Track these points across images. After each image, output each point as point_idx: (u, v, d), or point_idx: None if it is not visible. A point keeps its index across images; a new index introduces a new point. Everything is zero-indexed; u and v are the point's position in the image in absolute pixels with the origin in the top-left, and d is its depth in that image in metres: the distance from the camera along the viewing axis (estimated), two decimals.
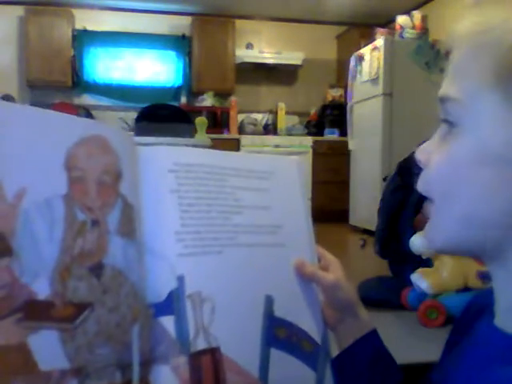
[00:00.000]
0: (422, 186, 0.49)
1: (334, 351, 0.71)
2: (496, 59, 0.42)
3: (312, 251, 0.73)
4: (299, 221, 0.73)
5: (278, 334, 0.63)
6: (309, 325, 0.67)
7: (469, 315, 0.57)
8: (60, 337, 0.45)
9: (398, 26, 4.88)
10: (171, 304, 0.54)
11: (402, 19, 4.90)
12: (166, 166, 0.59)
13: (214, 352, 0.55)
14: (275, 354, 0.62)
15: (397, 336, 1.71)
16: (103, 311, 0.49)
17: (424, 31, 4.86)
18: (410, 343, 1.63)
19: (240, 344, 0.59)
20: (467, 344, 0.52)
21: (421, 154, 0.50)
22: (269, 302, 0.63)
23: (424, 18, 4.91)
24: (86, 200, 0.50)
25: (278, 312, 0.63)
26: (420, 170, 0.50)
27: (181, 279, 0.55)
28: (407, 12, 5.09)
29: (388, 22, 5.72)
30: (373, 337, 0.71)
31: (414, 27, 4.85)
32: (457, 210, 0.45)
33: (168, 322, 0.54)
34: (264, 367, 0.61)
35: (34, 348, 0.44)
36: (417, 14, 4.92)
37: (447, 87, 0.47)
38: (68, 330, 0.46)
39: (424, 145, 0.50)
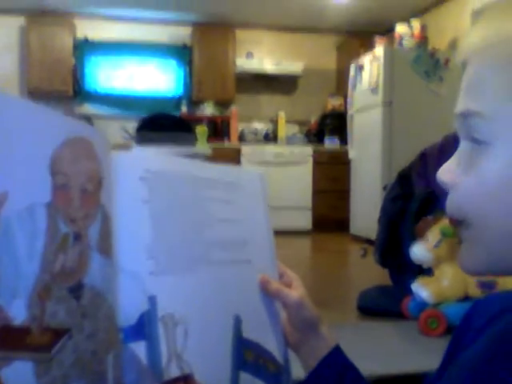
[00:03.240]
0: (453, 210, 0.46)
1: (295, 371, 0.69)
2: None
3: (274, 267, 0.69)
4: (263, 236, 0.69)
5: (246, 356, 0.61)
6: (272, 345, 0.65)
7: (477, 323, 0.55)
8: (34, 369, 0.40)
9: (397, 35, 4.90)
10: (142, 328, 0.50)
11: (401, 28, 4.93)
12: (136, 173, 0.54)
13: (187, 379, 0.52)
14: (243, 378, 0.60)
15: (397, 345, 1.71)
16: (81, 338, 0.43)
17: (423, 40, 4.88)
18: (411, 352, 1.62)
19: (212, 369, 0.56)
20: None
21: (444, 175, 0.47)
22: (237, 322, 0.60)
23: (423, 27, 4.94)
24: (70, 210, 0.44)
25: (245, 332, 0.61)
26: (441, 192, 0.48)
27: (153, 300, 0.51)
28: (407, 20, 5.11)
29: (387, 31, 5.74)
30: (337, 353, 0.70)
31: (413, 36, 4.87)
32: (498, 230, 0.43)
33: (139, 348, 0.49)
34: None
35: (6, 383, 0.38)
36: (416, 23, 4.95)
37: (468, 102, 0.44)
38: (44, 360, 0.40)
39: (446, 165, 0.47)
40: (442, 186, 0.47)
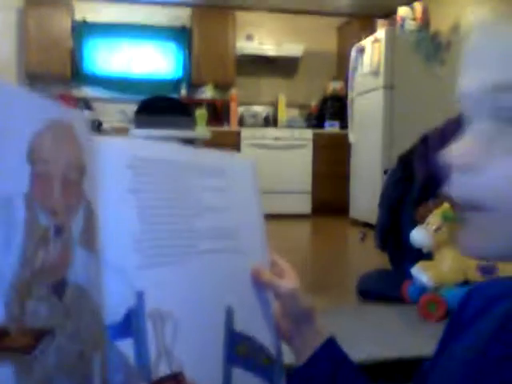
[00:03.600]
0: (470, 194, 0.41)
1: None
2: None
3: (266, 257, 0.67)
4: (254, 224, 0.67)
5: (239, 351, 0.59)
6: (265, 337, 0.64)
7: (472, 309, 0.55)
8: (15, 371, 0.37)
9: (398, 18, 4.85)
10: (130, 325, 0.47)
11: (403, 11, 4.88)
12: (123, 161, 0.51)
13: (177, 378, 0.50)
14: (236, 373, 0.58)
15: (396, 329, 1.71)
16: (64, 338, 0.40)
17: (425, 23, 4.83)
18: (410, 336, 1.63)
19: (203, 365, 0.54)
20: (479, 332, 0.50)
21: (462, 158, 0.41)
22: (229, 314, 0.58)
23: (425, 10, 4.88)
24: (51, 201, 0.41)
25: (237, 325, 0.59)
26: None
27: (140, 296, 0.48)
28: (408, 3, 5.05)
29: (389, 14, 5.68)
30: (330, 345, 0.68)
31: (415, 19, 4.82)
32: None
33: (126, 346, 0.47)
34: None
35: None
36: (418, 6, 4.89)
37: (503, 73, 0.39)
38: (25, 363, 0.37)
39: (460, 147, 0.42)
40: (453, 169, 0.42)
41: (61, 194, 0.42)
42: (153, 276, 0.50)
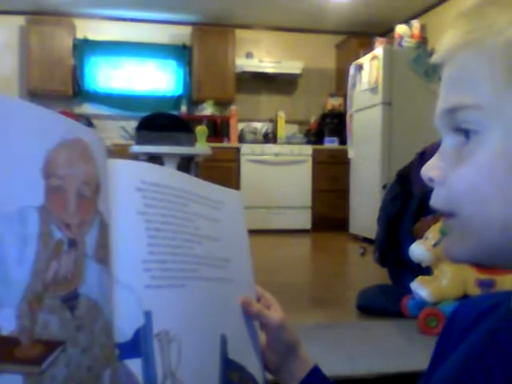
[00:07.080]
0: (443, 204, 0.46)
1: None
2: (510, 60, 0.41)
3: (253, 289, 0.69)
4: (243, 256, 0.68)
5: (232, 377, 0.60)
6: (253, 367, 0.65)
7: (462, 324, 0.56)
8: (24, 383, 0.37)
9: (396, 35, 4.91)
10: (138, 344, 0.47)
11: (400, 28, 4.93)
12: (133, 184, 0.52)
13: None
14: None
15: (396, 344, 1.72)
16: (75, 352, 0.41)
17: (423, 40, 4.89)
18: (410, 351, 1.63)
19: None
20: (470, 346, 0.52)
21: (432, 171, 0.46)
22: (223, 342, 0.59)
23: (423, 27, 4.94)
24: (64, 215, 0.42)
25: (229, 353, 0.60)
26: (425, 187, 0.48)
27: (148, 315, 0.49)
28: (406, 21, 5.12)
29: (387, 32, 5.75)
30: (315, 375, 0.70)
31: (412, 36, 4.88)
32: (492, 219, 0.42)
33: (135, 365, 0.47)
34: None
35: None
36: (416, 23, 4.95)
37: (458, 96, 0.45)
38: (34, 375, 0.37)
39: (429, 162, 0.47)
40: (426, 183, 0.47)
41: (75, 209, 0.43)
42: (159, 297, 0.51)
